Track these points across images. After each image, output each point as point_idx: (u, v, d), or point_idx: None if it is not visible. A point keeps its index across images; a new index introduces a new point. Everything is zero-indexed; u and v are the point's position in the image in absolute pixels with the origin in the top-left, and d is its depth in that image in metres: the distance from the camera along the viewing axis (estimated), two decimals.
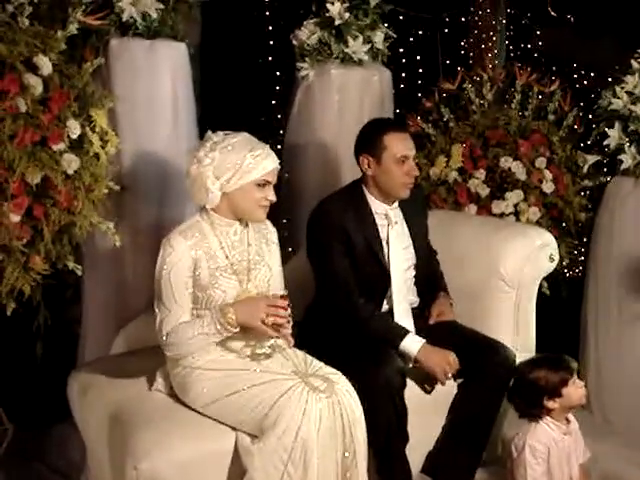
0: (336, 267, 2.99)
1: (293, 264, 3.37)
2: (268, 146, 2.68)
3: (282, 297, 2.59)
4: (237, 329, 2.57)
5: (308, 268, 3.34)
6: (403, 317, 3.07)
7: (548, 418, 2.82)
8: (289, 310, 2.58)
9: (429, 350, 2.93)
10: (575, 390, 2.81)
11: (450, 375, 2.93)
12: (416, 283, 3.18)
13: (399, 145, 3.01)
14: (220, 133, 2.67)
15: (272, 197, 2.68)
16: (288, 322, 2.58)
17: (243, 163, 2.60)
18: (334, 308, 3.01)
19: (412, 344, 2.93)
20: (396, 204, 3.12)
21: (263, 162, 2.63)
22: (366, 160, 3.04)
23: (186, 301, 2.61)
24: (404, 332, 2.96)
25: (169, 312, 2.59)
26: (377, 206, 3.08)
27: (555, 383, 2.78)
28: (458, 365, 2.93)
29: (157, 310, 2.62)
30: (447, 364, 2.91)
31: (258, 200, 2.66)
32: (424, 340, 2.94)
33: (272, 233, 2.83)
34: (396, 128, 3.09)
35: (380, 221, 3.08)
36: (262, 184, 2.64)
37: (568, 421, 2.87)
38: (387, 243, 3.07)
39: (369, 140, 3.04)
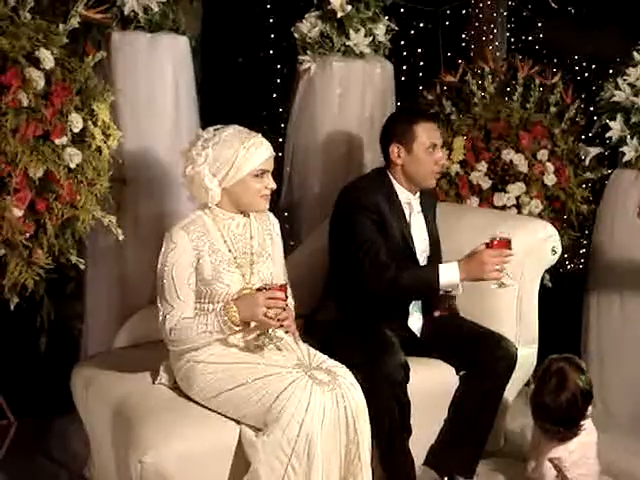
0: (367, 232, 2.92)
1: (295, 257, 3.37)
2: (261, 134, 2.67)
3: (281, 287, 2.58)
4: (239, 327, 2.57)
5: (310, 261, 3.35)
6: (414, 304, 3.11)
7: None
8: (289, 300, 2.58)
9: (465, 267, 2.79)
10: None
11: (499, 268, 2.75)
12: None
13: (429, 134, 3.03)
14: (210, 129, 2.66)
15: (272, 185, 2.67)
16: (284, 310, 2.56)
17: (237, 156, 2.59)
18: (362, 275, 2.89)
19: (449, 275, 2.80)
20: (418, 194, 3.13)
21: (257, 152, 2.62)
22: (396, 149, 3.04)
23: (189, 296, 2.60)
24: (433, 271, 2.83)
25: (172, 308, 2.58)
26: (401, 193, 3.08)
27: (588, 385, 2.74)
28: (501, 255, 2.76)
29: (160, 306, 2.61)
30: (489, 265, 2.75)
31: (258, 190, 2.65)
32: (454, 263, 2.81)
33: (274, 225, 2.83)
34: (426, 118, 3.11)
35: (405, 209, 3.09)
36: (259, 174, 2.63)
37: None
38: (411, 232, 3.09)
39: (399, 129, 3.04)
